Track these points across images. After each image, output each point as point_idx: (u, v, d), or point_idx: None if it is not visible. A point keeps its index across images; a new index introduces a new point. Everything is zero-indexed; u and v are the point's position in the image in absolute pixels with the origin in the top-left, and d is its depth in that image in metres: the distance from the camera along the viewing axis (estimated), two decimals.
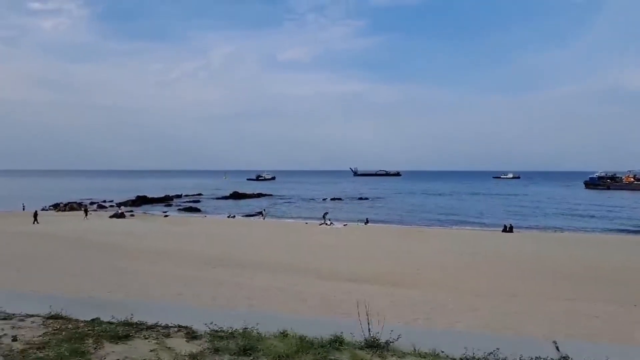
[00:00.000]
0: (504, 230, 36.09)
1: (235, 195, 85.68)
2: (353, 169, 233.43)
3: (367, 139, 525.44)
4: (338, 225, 40.11)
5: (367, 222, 43.84)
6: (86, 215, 46.13)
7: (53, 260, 19.87)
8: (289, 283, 16.76)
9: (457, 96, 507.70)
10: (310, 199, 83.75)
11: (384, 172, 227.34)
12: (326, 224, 40.41)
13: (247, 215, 54.95)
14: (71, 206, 55.56)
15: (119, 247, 24.81)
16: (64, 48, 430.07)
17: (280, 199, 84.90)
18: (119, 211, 48.72)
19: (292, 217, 51.50)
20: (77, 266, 18.51)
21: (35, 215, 39.14)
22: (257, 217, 50.78)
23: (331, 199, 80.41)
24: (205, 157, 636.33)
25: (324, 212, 44.71)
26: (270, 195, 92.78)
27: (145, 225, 39.98)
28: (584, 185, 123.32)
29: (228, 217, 51.23)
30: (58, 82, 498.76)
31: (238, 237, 31.51)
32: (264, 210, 52.09)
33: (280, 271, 19.68)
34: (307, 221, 44.09)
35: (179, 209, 63.61)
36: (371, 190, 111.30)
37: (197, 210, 61.75)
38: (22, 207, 61.20)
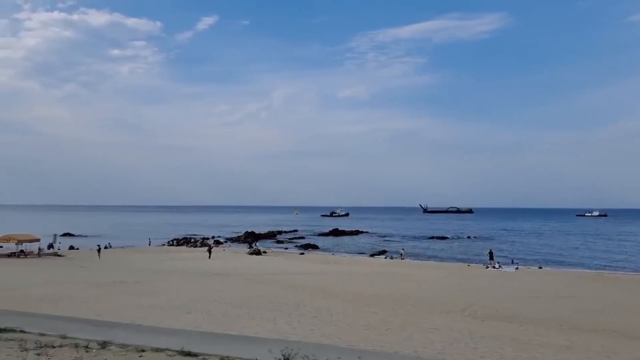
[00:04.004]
0: None
1: (335, 232, 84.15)
2: (423, 206, 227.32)
3: (428, 175, 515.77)
4: (508, 268, 36.87)
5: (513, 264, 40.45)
6: (251, 251, 47.20)
7: (318, 308, 18.46)
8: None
9: (521, 132, 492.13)
10: (413, 237, 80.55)
11: (456, 209, 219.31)
12: (494, 267, 37.31)
13: (373, 255, 52.81)
14: (203, 242, 55.82)
15: (339, 293, 23.15)
16: (138, 91, 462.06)
17: (382, 237, 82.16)
18: (255, 249, 48.01)
19: (429, 258, 48.69)
20: (341, 317, 16.80)
21: (210, 250, 39.34)
22: (394, 256, 48.29)
23: (437, 238, 76.79)
24: (268, 194, 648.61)
25: (489, 250, 41.40)
26: (367, 232, 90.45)
27: (302, 264, 38.60)
28: None
29: (384, 257, 49.14)
30: (130, 124, 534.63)
31: (431, 281, 29.11)
32: (403, 249, 49.63)
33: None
34: (468, 263, 41.08)
35: (297, 246, 62.60)
36: (462, 229, 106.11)
37: (315, 247, 60.36)
38: (148, 242, 62.61)
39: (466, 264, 40.50)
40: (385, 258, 48.48)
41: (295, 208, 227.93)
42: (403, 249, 49.64)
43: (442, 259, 47.36)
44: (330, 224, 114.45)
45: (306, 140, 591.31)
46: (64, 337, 5.46)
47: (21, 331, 4.63)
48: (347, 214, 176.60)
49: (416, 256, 49.91)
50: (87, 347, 5.91)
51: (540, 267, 38.66)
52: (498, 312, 19.87)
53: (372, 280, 28.19)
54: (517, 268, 37.02)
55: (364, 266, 37.78)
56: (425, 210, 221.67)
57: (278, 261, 40.56)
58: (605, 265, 43.01)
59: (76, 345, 5.89)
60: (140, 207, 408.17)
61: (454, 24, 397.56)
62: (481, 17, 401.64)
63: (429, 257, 49.16)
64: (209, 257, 37.46)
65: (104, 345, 5.76)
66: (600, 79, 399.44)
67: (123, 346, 6.00)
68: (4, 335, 4.85)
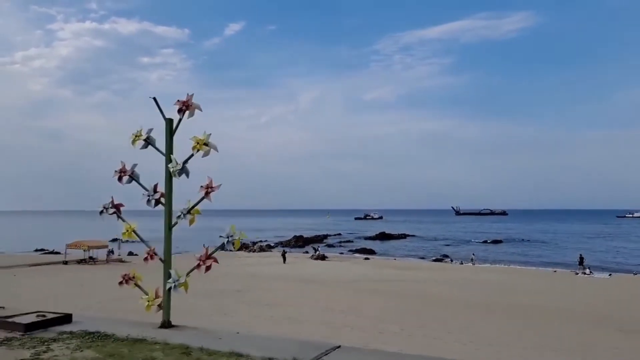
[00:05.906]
0: None
1: (382, 236, 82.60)
2: (455, 208, 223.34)
3: (458, 176, 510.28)
4: (599, 274, 34.77)
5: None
6: (316, 255, 46.28)
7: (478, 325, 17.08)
8: None
9: (551, 132, 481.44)
10: (464, 240, 78.32)
11: (489, 211, 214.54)
12: (584, 272, 35.25)
13: (436, 259, 51.25)
14: (261, 247, 55.11)
15: (462, 303, 21.74)
16: (167, 97, 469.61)
17: (429, 241, 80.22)
18: (319, 253, 46.98)
19: (499, 262, 46.77)
20: (499, 334, 15.32)
21: (284, 256, 38.75)
22: (464, 262, 46.55)
23: (491, 241, 74.38)
24: (296, 196, 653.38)
25: (579, 253, 39.24)
26: (413, 235, 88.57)
27: (378, 270, 37.15)
28: None
29: (452, 262, 47.53)
30: (160, 130, 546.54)
31: (539, 289, 27.33)
32: (473, 254, 47.86)
33: None
34: (555, 269, 39.05)
35: (350, 250, 61.32)
36: (504, 231, 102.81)
37: (372, 251, 58.96)
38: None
39: (551, 269, 38.51)
40: (453, 262, 46.90)
41: (327, 212, 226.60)
42: (474, 254, 47.80)
43: (513, 263, 45.42)
44: (367, 227, 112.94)
45: (333, 142, 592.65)
46: None
47: None
48: (381, 217, 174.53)
49: (484, 261, 48.01)
50: None
51: (636, 274, 36.36)
52: None
53: (476, 288, 26.65)
54: (610, 274, 34.86)
55: (445, 272, 36.19)
56: (457, 213, 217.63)
57: (350, 267, 39.31)
58: None
59: None
60: None
61: (481, 24, 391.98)
62: (509, 17, 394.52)
63: (500, 262, 47.21)
64: (284, 261, 36.64)
65: None
66: (636, 76, 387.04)
67: None
68: None
